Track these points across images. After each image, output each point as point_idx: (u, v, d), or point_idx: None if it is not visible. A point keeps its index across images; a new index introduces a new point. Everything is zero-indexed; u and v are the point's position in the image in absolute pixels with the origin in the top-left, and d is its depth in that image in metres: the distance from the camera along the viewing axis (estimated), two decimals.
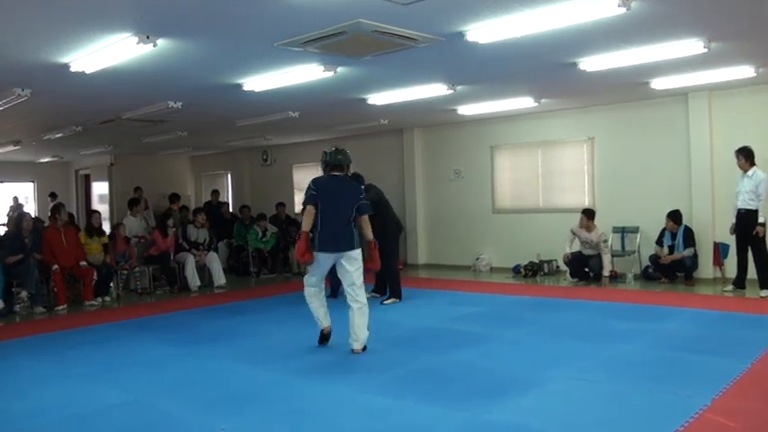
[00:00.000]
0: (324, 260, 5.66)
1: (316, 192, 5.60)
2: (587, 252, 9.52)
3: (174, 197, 12.92)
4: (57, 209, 9.31)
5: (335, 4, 4.70)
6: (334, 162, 5.74)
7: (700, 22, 5.65)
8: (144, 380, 5.09)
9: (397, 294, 8.23)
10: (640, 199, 9.79)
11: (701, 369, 4.81)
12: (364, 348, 5.64)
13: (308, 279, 5.83)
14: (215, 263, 10.55)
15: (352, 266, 5.64)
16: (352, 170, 6.26)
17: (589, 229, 9.44)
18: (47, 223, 10.10)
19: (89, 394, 4.76)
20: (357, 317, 5.61)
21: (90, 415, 4.29)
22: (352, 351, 5.61)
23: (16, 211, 13.98)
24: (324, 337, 5.90)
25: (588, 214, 9.49)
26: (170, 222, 10.38)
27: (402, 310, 7.55)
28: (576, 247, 9.61)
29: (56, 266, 8.70)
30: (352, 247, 5.64)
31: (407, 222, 12.49)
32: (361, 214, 5.75)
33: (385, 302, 8.08)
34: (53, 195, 16.47)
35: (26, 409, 4.47)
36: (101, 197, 17.08)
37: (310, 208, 5.56)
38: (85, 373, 5.34)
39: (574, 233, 9.54)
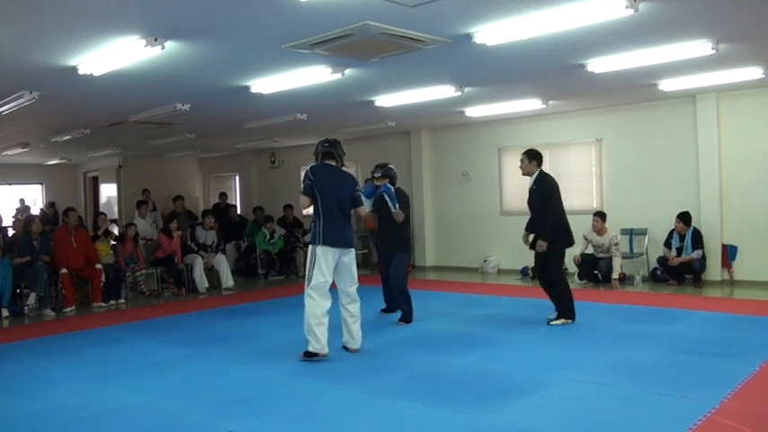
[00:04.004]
0: (327, 256, 5.44)
1: (312, 180, 5.49)
2: (599, 255, 9.51)
3: (176, 198, 13.01)
4: (65, 212, 9.34)
5: (343, 7, 4.70)
6: (323, 150, 5.64)
7: (708, 23, 5.63)
8: (152, 381, 5.11)
9: (408, 317, 7.01)
10: (648, 201, 9.75)
11: (710, 372, 4.79)
12: None
13: (311, 281, 5.42)
14: (223, 265, 10.57)
15: (353, 264, 5.65)
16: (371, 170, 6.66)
17: (601, 232, 9.42)
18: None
19: (99, 395, 4.78)
20: (357, 318, 5.71)
21: (100, 416, 4.31)
22: (352, 350, 5.72)
23: (23, 214, 14.05)
24: (311, 356, 5.46)
25: (602, 217, 9.48)
26: (173, 225, 10.40)
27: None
28: (588, 251, 9.60)
29: (64, 270, 8.73)
30: (351, 245, 5.62)
31: (415, 225, 12.47)
32: (356, 207, 5.68)
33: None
34: (52, 205, 16.36)
35: (38, 409, 4.49)
36: (109, 199, 17.13)
37: (305, 199, 5.54)
38: (95, 375, 5.37)
39: (586, 239, 9.52)
